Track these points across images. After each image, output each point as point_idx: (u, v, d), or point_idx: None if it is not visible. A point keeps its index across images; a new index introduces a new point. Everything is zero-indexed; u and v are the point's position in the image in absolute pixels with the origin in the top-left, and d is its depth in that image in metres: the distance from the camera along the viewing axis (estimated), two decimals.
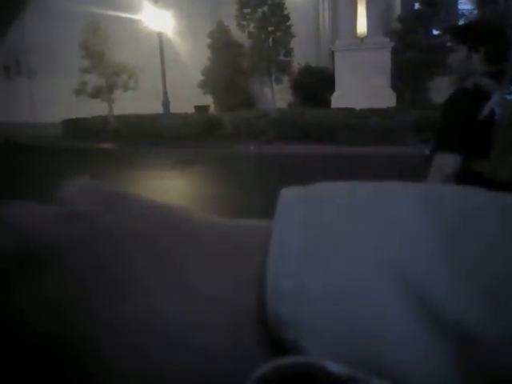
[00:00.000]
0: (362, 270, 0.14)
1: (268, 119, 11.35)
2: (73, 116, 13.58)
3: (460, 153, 1.54)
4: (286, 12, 12.91)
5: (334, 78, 14.28)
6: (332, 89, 14.27)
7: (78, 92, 13.29)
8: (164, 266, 0.16)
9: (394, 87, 13.62)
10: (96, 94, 13.40)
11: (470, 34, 1.63)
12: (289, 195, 0.17)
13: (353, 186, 0.17)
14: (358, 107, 11.96)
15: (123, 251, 0.16)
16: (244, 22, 13.05)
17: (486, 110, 1.46)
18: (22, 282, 0.15)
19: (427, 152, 1.78)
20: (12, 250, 0.15)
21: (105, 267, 0.15)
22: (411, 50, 12.89)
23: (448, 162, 1.56)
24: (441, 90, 12.11)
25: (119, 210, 0.18)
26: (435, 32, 13.62)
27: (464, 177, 1.55)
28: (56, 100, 16.37)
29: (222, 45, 14.81)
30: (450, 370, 0.13)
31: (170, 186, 6.55)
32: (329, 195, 0.16)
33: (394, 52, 13.62)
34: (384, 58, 13.68)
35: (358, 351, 0.13)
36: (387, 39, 13.76)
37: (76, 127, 13.22)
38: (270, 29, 12.75)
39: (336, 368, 0.12)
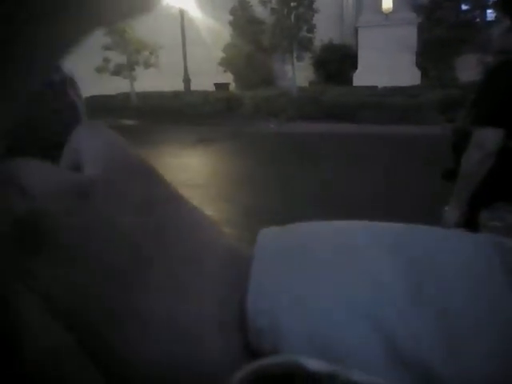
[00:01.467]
0: (334, 311, 0.15)
1: (289, 97, 11.24)
2: (95, 93, 13.73)
3: (503, 127, 1.41)
4: None
5: (357, 55, 13.98)
6: (355, 66, 13.99)
7: (100, 69, 13.38)
8: (151, 266, 0.16)
9: (418, 65, 13.26)
10: (118, 71, 13.47)
11: None
12: (267, 237, 0.18)
13: (329, 229, 0.18)
14: (380, 85, 11.72)
15: (120, 242, 0.16)
16: None
17: None
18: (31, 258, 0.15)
19: (456, 127, 1.70)
20: (22, 215, 0.15)
21: (105, 256, 0.16)
22: (439, 26, 12.47)
23: (490, 136, 1.43)
24: (467, 68, 11.75)
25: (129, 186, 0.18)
26: (464, 7, 13.13)
27: (504, 156, 1.44)
28: (79, 77, 16.50)
29: (243, 21, 14.61)
30: None
31: (190, 164, 6.61)
32: (304, 240, 0.17)
33: (420, 28, 13.21)
34: (410, 35, 13.29)
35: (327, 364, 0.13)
36: (414, 14, 13.32)
37: (99, 104, 13.37)
38: (292, 4, 12.50)
39: (315, 365, 0.12)
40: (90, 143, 0.19)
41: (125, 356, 0.15)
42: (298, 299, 0.15)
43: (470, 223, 1.52)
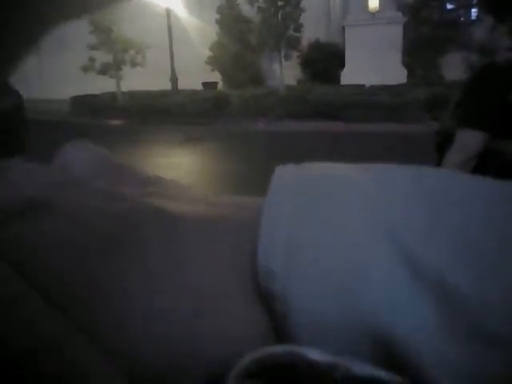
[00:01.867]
0: (350, 225, 0.15)
1: (276, 96, 11.25)
2: (82, 93, 13.58)
3: (487, 131, 1.42)
4: None
5: (344, 53, 14.05)
6: (342, 65, 14.05)
7: (86, 68, 13.24)
8: (159, 247, 0.16)
9: (405, 63, 13.37)
10: (104, 70, 13.34)
11: (500, 3, 1.50)
12: (283, 171, 0.18)
13: (346, 165, 0.18)
14: (368, 84, 11.80)
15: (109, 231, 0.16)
16: None
17: None
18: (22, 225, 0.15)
19: (440, 128, 1.71)
20: (13, 207, 0.16)
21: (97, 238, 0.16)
22: (424, 25, 12.58)
23: (474, 139, 1.44)
24: (452, 66, 11.86)
25: (116, 184, 0.18)
26: (449, 6, 13.27)
27: (485, 157, 1.45)
28: (65, 77, 16.34)
29: (230, 20, 14.57)
30: (433, 321, 0.13)
31: (179, 163, 6.58)
32: (323, 171, 0.18)
33: (405, 27, 13.31)
34: (396, 34, 13.39)
35: (344, 305, 0.14)
36: (399, 14, 13.42)
37: (85, 104, 13.23)
38: (279, 3, 12.50)
39: (317, 355, 0.12)
40: (78, 158, 0.20)
41: (136, 335, 0.14)
42: (314, 239, 0.15)
43: None
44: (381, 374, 0.12)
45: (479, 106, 1.46)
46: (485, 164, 1.47)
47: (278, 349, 0.12)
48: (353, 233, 0.15)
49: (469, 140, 1.46)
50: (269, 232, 0.15)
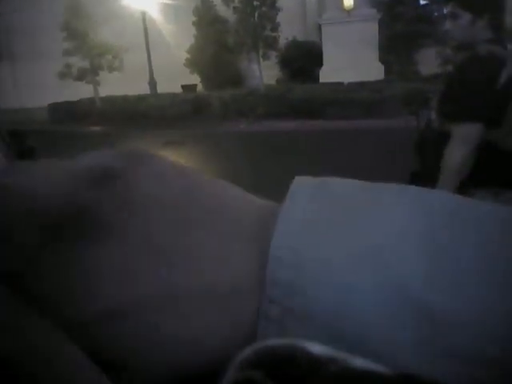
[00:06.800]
0: (351, 256, 0.16)
1: (256, 96, 11.26)
2: (59, 100, 13.37)
3: (481, 121, 1.45)
4: None
5: (321, 52, 14.13)
6: (320, 63, 14.13)
7: (62, 75, 13.05)
8: (184, 235, 0.17)
9: (382, 60, 13.53)
10: (81, 76, 13.17)
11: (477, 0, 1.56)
12: (300, 183, 0.19)
13: (357, 183, 0.20)
14: (346, 81, 11.89)
15: (147, 218, 0.17)
16: None
17: (503, 78, 1.40)
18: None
19: (422, 126, 1.70)
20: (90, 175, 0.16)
21: (132, 233, 0.16)
22: (399, 21, 12.75)
23: (474, 132, 1.46)
24: (427, 61, 12.01)
25: (145, 171, 0.19)
26: (422, 2, 13.47)
27: (483, 148, 1.47)
28: (41, 84, 16.07)
29: (207, 21, 14.53)
30: (417, 344, 0.14)
31: None
32: (335, 188, 0.19)
33: (381, 24, 13.47)
34: (371, 30, 13.53)
35: (341, 316, 0.15)
36: (374, 10, 13.57)
37: (63, 111, 13.03)
38: (255, 3, 12.51)
39: (316, 348, 0.13)
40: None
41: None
42: (322, 249, 0.16)
43: None
44: (377, 367, 0.12)
45: (470, 99, 1.47)
46: (483, 156, 1.47)
47: (279, 341, 0.13)
48: (352, 263, 0.16)
49: (468, 133, 1.46)
50: (280, 243, 0.16)
